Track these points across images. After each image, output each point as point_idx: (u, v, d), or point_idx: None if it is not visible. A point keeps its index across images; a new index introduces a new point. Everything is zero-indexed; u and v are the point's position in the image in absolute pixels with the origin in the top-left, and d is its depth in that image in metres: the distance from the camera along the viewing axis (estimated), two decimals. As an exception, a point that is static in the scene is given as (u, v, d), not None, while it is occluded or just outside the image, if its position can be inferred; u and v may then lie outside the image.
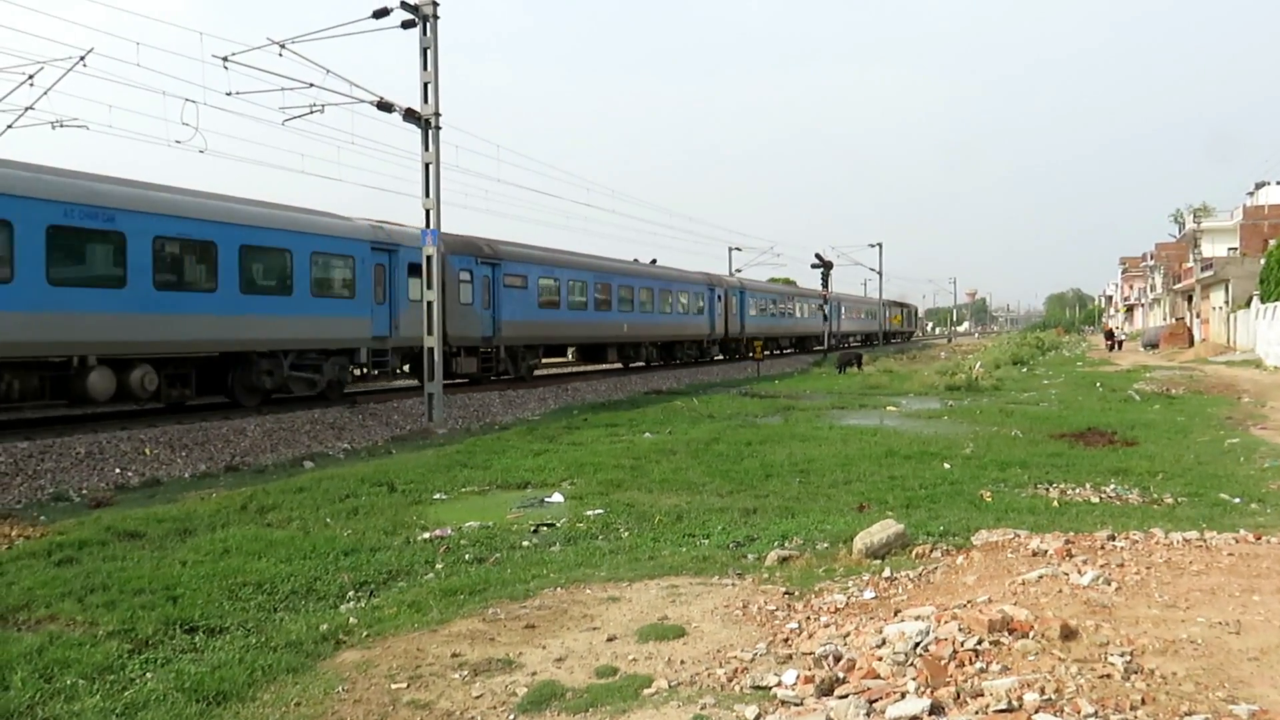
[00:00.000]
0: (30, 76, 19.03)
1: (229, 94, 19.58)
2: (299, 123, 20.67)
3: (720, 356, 46.11)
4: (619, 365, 36.47)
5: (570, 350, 36.82)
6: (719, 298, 43.87)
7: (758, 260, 69.91)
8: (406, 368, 24.69)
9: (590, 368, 37.05)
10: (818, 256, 61.26)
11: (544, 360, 35.62)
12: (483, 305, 26.03)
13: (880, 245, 78.66)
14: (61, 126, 19.87)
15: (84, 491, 12.96)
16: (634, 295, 35.33)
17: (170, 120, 19.36)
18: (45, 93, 19.04)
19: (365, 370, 22.49)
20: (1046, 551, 7.32)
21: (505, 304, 26.90)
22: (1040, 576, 6.40)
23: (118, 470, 14.16)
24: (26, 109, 19.34)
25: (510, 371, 28.04)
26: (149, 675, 5.82)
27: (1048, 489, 11.64)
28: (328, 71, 20.03)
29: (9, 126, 19.77)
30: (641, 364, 37.61)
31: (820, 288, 61.61)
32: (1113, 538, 7.72)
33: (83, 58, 18.49)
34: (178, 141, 19.19)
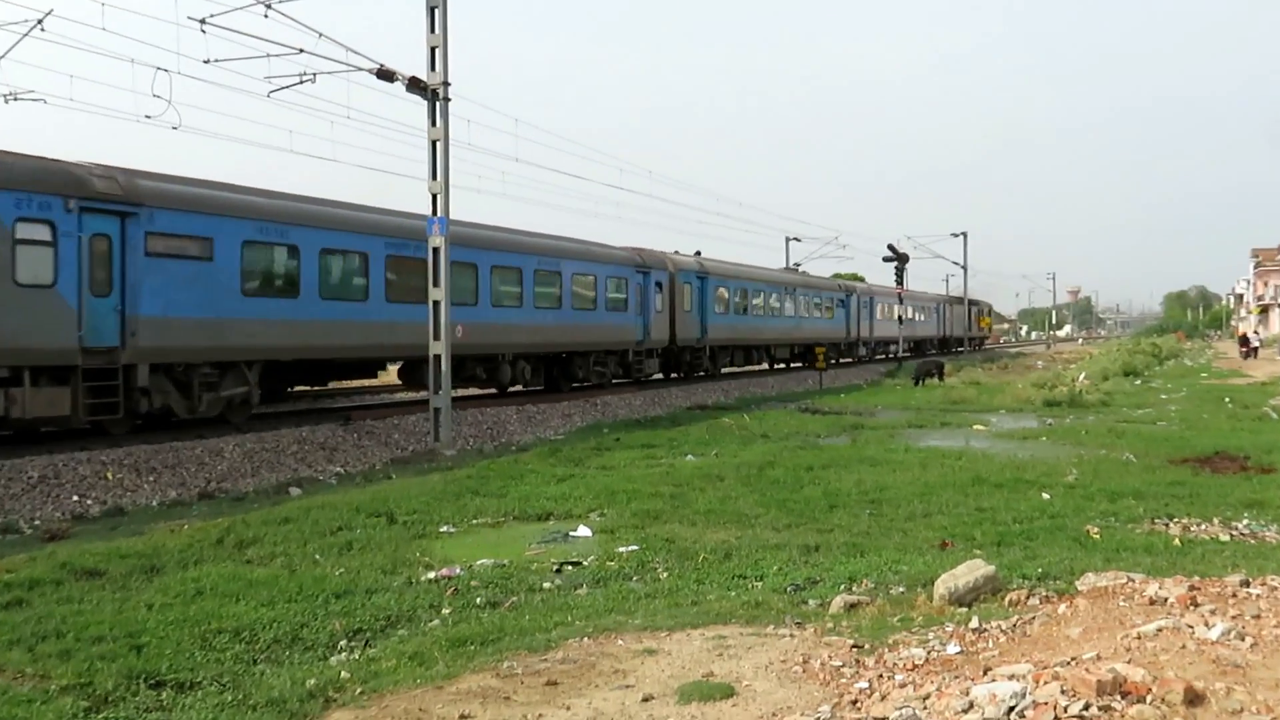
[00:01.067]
0: (-21, 43, 19.39)
1: (206, 61, 19.87)
2: (287, 94, 20.87)
3: (660, 375, 36.69)
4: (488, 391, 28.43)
5: (395, 366, 26.86)
6: (657, 286, 34.26)
7: (819, 253, 68.10)
8: None
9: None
10: (890, 249, 61.04)
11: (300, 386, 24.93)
12: (93, 290, 16.88)
13: (965, 235, 77.92)
14: (15, 100, 20.24)
15: (36, 522, 13.14)
16: (474, 280, 25.50)
17: (140, 92, 19.60)
18: (-4, 61, 19.38)
19: None
20: (1166, 599, 7.20)
21: (151, 289, 17.61)
22: (1159, 629, 6.29)
23: (75, 497, 14.35)
24: (-26, 80, 19.69)
25: (179, 408, 18.55)
26: (108, 737, 5.86)
27: (1167, 524, 11.48)
28: (320, 35, 20.26)
29: (-46, 101, 20.13)
30: (518, 388, 29.09)
31: (895, 285, 61.16)
32: (1247, 583, 7.57)
33: (40, 21, 18.83)
34: (148, 116, 19.50)
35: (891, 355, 62.42)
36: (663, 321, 34.80)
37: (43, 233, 16.32)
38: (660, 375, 36.81)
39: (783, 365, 47.78)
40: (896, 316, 61.74)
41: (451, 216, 21.65)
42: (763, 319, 43.57)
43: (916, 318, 69.10)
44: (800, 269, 60.21)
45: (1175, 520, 11.69)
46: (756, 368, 45.40)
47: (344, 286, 22.04)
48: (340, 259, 22.01)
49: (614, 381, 32.92)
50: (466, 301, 24.84)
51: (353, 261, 22.35)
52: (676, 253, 38.92)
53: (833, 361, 50.59)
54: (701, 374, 38.53)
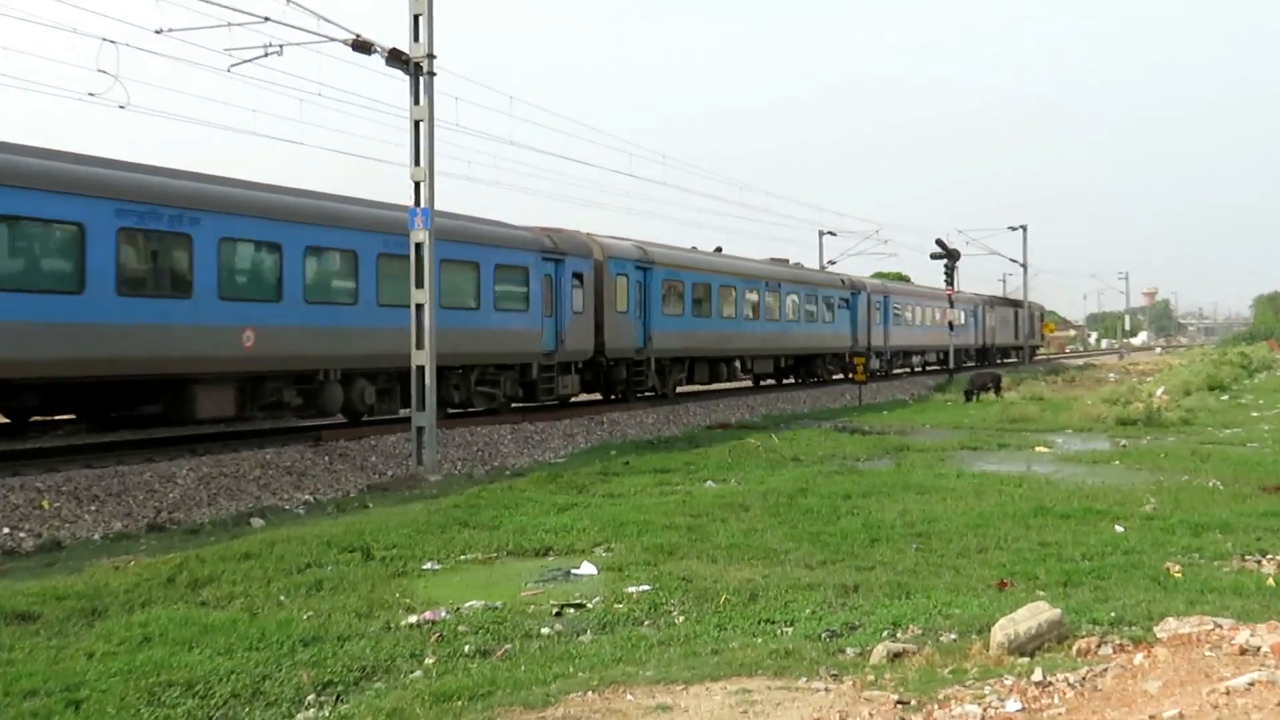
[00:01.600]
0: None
1: (158, 31, 19.92)
2: (250, 69, 20.93)
3: (598, 396, 32.85)
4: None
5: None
6: (576, 279, 29.38)
7: (857, 249, 67.97)
8: None
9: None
10: (939, 244, 60.86)
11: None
12: None
13: (1024, 228, 77.93)
14: (-61, 77, 20.24)
15: (-37, 557, 13.15)
16: (276, 266, 20.88)
17: (83, 66, 19.57)
18: (-83, 33, 19.43)
19: None
20: (1259, 648, 7.16)
21: None
22: (1251, 683, 6.25)
23: (6, 530, 14.38)
24: (-107, 55, 19.78)
25: None
26: (41, 805, 5.85)
27: (1260, 561, 11.45)
28: (289, 1, 20.31)
29: (-128, 77, 20.21)
30: (341, 419, 24.06)
31: (945, 285, 60.92)
32: (1353, 630, 7.52)
33: (-32, -13, 18.91)
34: (91, 94, 19.57)
35: (915, 369, 60.76)
36: (584, 325, 29.67)
37: None
38: (597, 396, 32.88)
39: (772, 381, 44.44)
40: (920, 320, 58.52)
41: (320, 189, 21.85)
42: (734, 323, 38.24)
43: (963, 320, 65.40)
44: (832, 265, 59.98)
45: (1269, 557, 11.64)
46: (729, 385, 40.80)
47: (37, 273, 17.01)
48: (30, 233, 16.93)
49: (514, 406, 28.24)
50: (264, 296, 20.53)
51: (56, 237, 17.31)
52: (690, 244, 37.89)
53: (834, 376, 47.15)
54: (648, 393, 33.80)
